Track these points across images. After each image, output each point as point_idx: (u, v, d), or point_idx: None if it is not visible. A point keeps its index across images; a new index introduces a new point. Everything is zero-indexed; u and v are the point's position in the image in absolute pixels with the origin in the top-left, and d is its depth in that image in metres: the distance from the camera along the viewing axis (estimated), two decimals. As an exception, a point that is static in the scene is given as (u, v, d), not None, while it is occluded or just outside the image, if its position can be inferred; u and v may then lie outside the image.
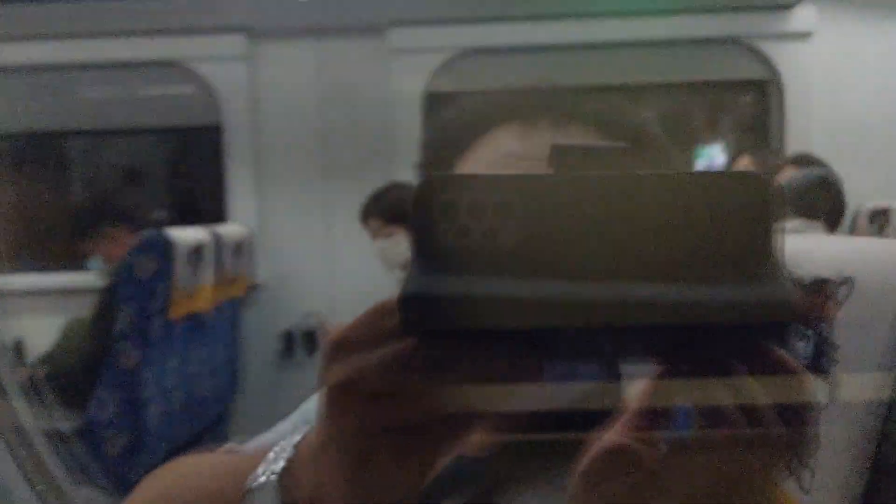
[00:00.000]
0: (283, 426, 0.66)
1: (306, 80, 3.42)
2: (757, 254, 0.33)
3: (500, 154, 0.59)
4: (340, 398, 0.38)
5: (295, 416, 0.67)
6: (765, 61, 3.44)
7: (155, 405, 2.57)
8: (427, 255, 0.35)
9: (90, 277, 3.10)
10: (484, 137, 0.61)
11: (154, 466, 0.57)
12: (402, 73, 3.38)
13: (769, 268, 0.33)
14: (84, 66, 3.57)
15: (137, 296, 2.51)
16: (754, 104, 3.65)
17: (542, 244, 0.34)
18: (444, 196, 0.35)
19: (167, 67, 3.54)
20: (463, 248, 0.35)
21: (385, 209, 2.78)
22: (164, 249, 2.54)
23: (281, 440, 0.62)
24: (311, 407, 0.67)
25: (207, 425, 3.06)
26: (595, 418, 0.40)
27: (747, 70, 3.50)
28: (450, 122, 0.64)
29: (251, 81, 3.45)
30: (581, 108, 0.61)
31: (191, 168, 4.10)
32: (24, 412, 1.01)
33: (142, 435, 2.48)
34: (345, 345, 0.38)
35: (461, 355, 0.35)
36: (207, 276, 2.87)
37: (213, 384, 3.09)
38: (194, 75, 3.50)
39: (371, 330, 0.37)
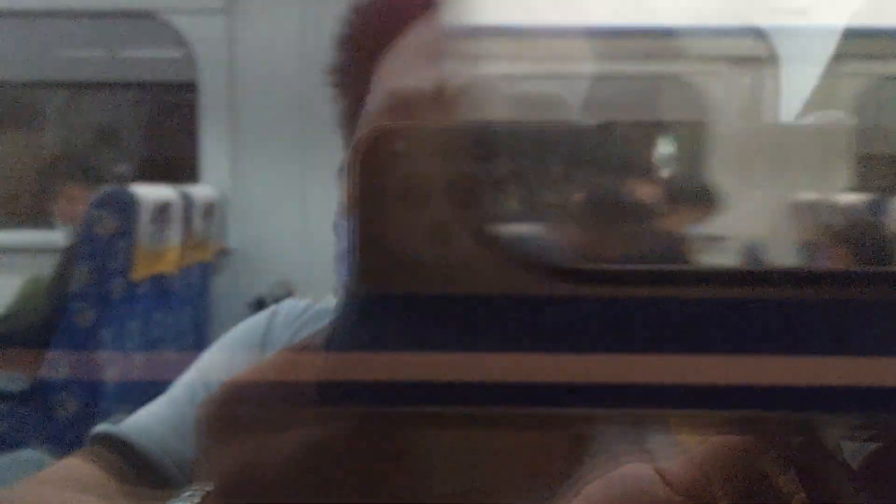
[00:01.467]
0: (161, 401, 0.55)
1: (287, 38, 3.29)
2: None
3: (434, 37, 0.44)
4: (234, 500, 0.26)
5: (177, 392, 0.56)
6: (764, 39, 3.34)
7: (112, 368, 2.47)
8: (373, 277, 0.21)
9: (56, 236, 2.99)
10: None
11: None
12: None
13: None
14: (60, 15, 3.44)
15: (96, 253, 2.40)
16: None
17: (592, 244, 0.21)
18: (404, 165, 0.20)
19: (144, 20, 3.41)
20: (438, 263, 0.21)
21: None
22: (127, 206, 2.43)
23: (161, 418, 0.52)
24: (190, 379, 0.56)
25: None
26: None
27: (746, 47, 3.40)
28: (373, 10, 0.50)
29: (229, 37, 3.32)
30: None
31: (166, 127, 3.97)
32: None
33: (96, 398, 2.38)
34: (241, 419, 0.26)
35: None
36: (174, 237, 2.77)
37: (177, 350, 2.99)
38: (170, 29, 3.37)
39: (277, 392, 0.25)
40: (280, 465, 0.25)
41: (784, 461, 0.25)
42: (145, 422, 0.53)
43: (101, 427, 0.53)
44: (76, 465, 0.49)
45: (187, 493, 0.34)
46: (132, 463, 0.50)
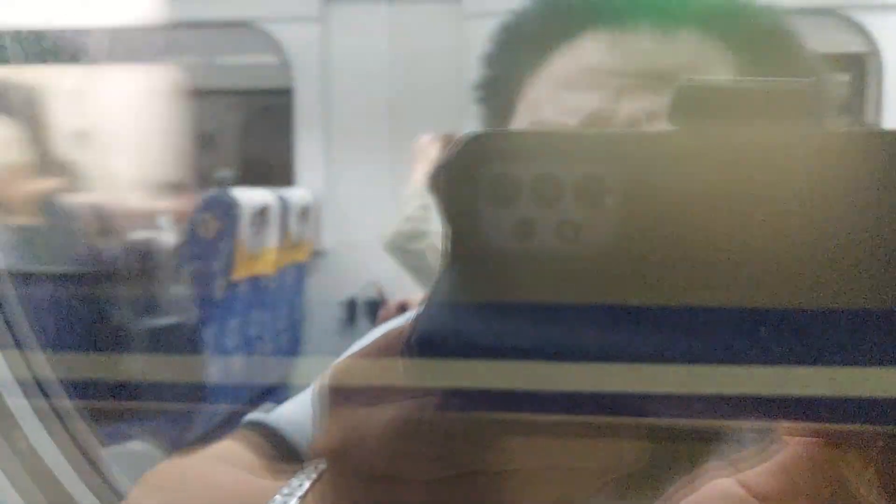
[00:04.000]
0: (305, 395, 0.61)
1: (378, 44, 3.35)
2: None
3: (579, 67, 0.46)
4: (340, 471, 0.29)
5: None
6: (863, 34, 3.23)
7: (214, 366, 2.56)
8: (464, 267, 0.23)
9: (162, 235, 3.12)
10: (562, 49, 0.47)
11: (212, 426, 0.53)
12: (478, 38, 3.28)
13: None
14: (160, 27, 3.58)
15: (200, 255, 2.49)
16: (850, 79, 3.44)
17: (652, 248, 0.22)
18: (495, 167, 0.22)
19: (241, 28, 3.52)
20: (523, 256, 0.22)
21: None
22: (229, 209, 2.52)
23: (303, 409, 0.57)
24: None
25: (266, 390, 3.05)
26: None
27: (844, 43, 3.29)
28: (519, 29, 0.51)
29: (323, 44, 3.40)
30: (696, 7, 0.46)
31: (262, 132, 4.09)
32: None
33: (201, 394, 2.48)
34: (346, 395, 0.28)
35: (508, 428, 0.25)
36: (272, 239, 2.85)
37: (273, 348, 3.08)
38: (268, 37, 3.47)
39: (378, 375, 0.27)
40: (378, 437, 0.26)
41: (868, 469, 0.24)
42: (289, 411, 0.58)
43: (253, 415, 0.58)
44: (231, 446, 0.55)
45: (309, 470, 0.38)
46: (276, 446, 0.56)
